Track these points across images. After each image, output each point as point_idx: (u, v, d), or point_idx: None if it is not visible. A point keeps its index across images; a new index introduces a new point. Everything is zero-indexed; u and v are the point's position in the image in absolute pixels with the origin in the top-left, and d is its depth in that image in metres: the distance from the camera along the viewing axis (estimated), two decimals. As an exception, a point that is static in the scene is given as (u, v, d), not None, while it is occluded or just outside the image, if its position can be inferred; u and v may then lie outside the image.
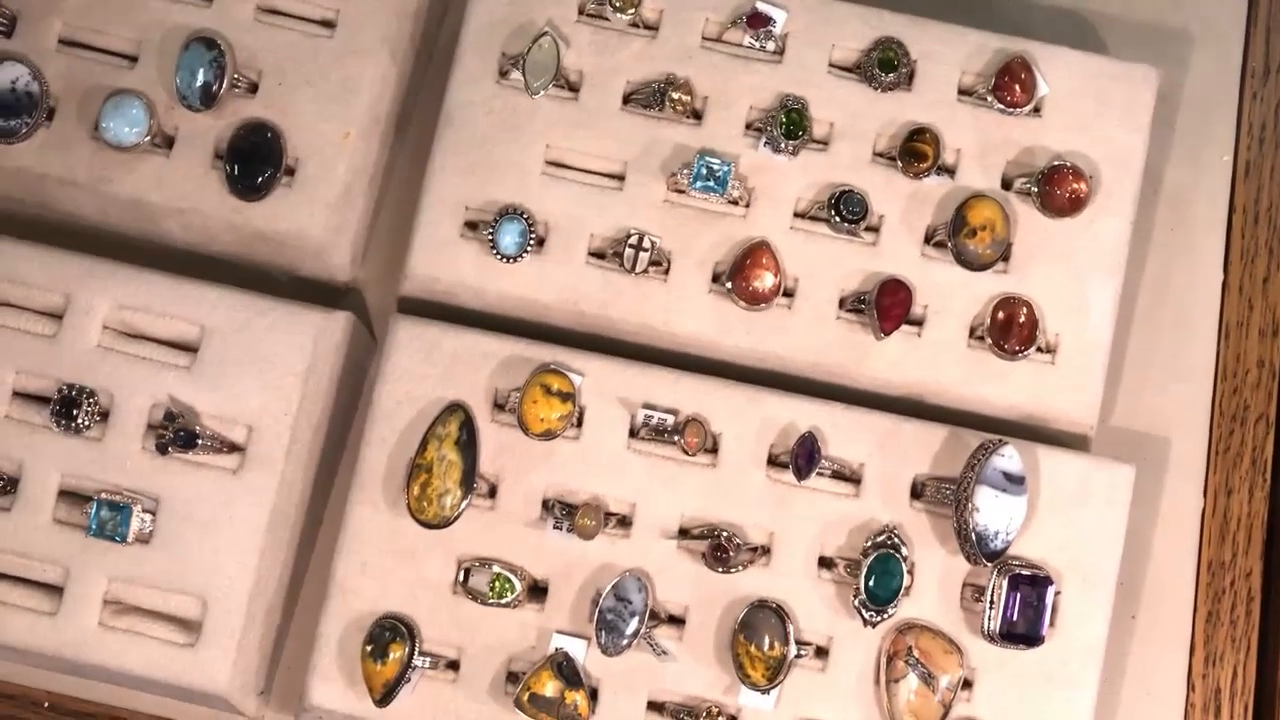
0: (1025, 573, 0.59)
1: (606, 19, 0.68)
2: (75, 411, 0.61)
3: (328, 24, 0.68)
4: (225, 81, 0.66)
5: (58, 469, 0.62)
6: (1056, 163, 0.64)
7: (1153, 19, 0.75)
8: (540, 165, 0.67)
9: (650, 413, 0.62)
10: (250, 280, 0.67)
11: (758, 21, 0.67)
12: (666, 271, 0.66)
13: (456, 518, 0.60)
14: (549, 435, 0.61)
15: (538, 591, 0.62)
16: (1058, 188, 0.64)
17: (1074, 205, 0.64)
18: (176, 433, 0.61)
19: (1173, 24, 0.75)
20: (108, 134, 0.65)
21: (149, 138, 0.66)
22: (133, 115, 0.66)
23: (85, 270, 0.63)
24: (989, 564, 0.59)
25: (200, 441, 0.61)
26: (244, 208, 0.66)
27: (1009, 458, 0.59)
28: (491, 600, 0.60)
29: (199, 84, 0.66)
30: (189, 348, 0.63)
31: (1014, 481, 0.59)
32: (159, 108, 0.66)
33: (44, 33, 0.67)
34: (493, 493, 0.63)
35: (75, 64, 0.67)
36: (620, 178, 0.67)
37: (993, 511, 0.59)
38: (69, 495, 0.62)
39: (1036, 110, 0.66)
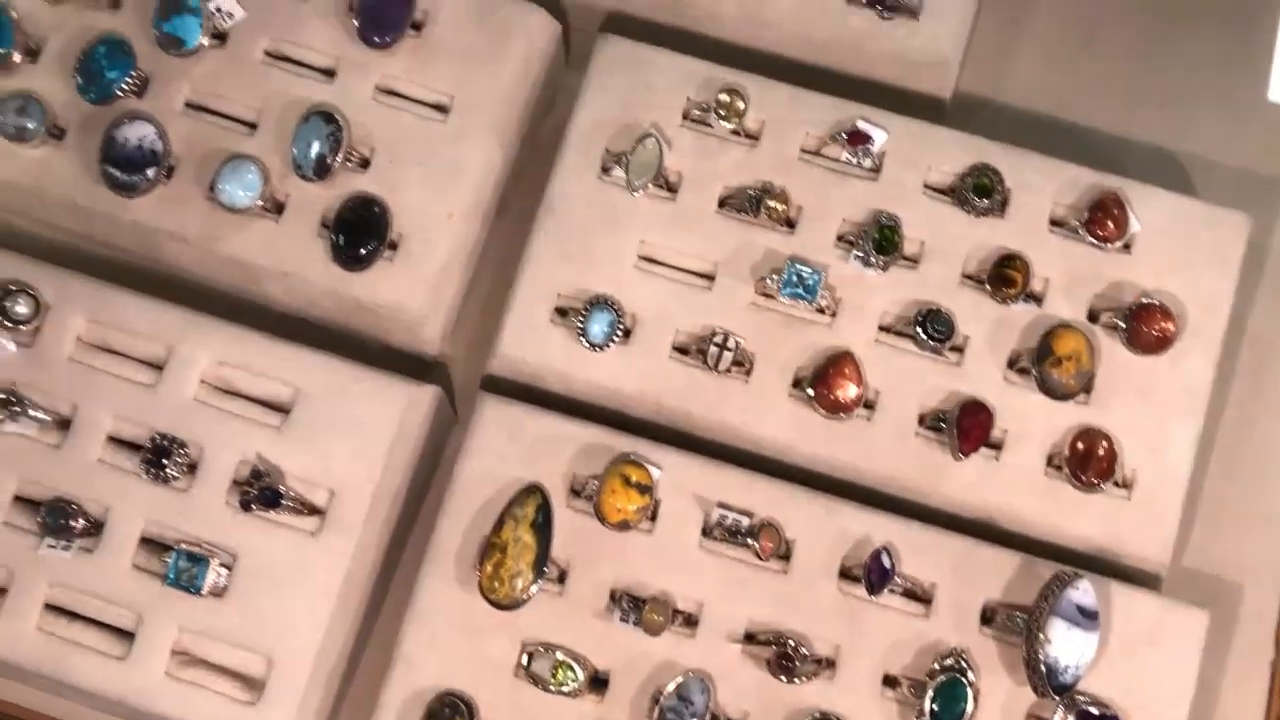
0: (1093, 710, 0.59)
1: (709, 125, 0.70)
2: (165, 461, 0.63)
3: (441, 109, 0.71)
4: (340, 155, 0.68)
5: (142, 516, 0.63)
6: (1145, 300, 0.65)
7: (1244, 165, 0.76)
8: (634, 259, 0.68)
9: (725, 513, 0.63)
10: (338, 345, 0.69)
11: (858, 139, 0.68)
12: (748, 373, 0.67)
13: (526, 600, 0.61)
14: (624, 526, 0.62)
15: (599, 683, 0.62)
16: (1145, 325, 0.64)
17: (1160, 344, 0.64)
18: (261, 490, 0.62)
19: (1263, 172, 0.76)
20: (222, 195, 0.68)
21: (261, 202, 0.68)
22: (248, 179, 0.68)
23: (189, 324, 0.66)
24: (1056, 698, 0.59)
25: (283, 501, 0.62)
26: (346, 277, 0.69)
27: (1084, 591, 0.59)
28: (552, 687, 0.60)
29: (314, 155, 0.68)
30: (281, 408, 0.65)
31: (1087, 616, 0.59)
32: (273, 174, 0.69)
33: (172, 95, 0.70)
34: (562, 578, 0.63)
35: (198, 126, 0.70)
36: (710, 277, 0.68)
37: (1064, 644, 0.58)
38: (149, 542, 0.63)
39: (1127, 247, 0.67)
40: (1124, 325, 0.65)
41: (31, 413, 0.63)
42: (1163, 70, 0.78)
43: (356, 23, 0.70)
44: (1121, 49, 0.79)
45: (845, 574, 0.63)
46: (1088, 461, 0.64)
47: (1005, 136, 0.75)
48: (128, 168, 0.68)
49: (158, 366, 0.65)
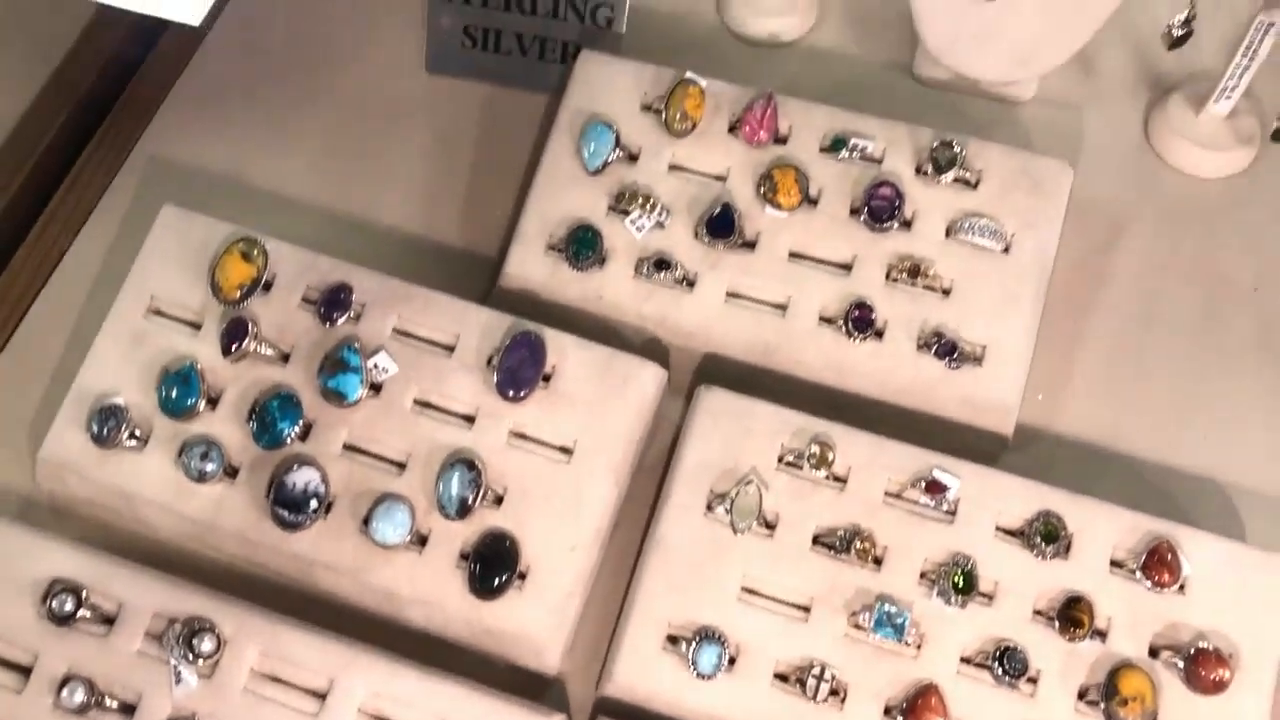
0: None
1: (802, 468, 0.79)
2: (325, 786, 0.70)
3: (566, 450, 0.80)
4: (479, 497, 0.78)
5: (301, 837, 0.70)
6: (1202, 645, 0.72)
7: (1285, 495, 0.84)
8: (737, 591, 0.77)
9: (828, 845, 0.69)
10: (466, 662, 0.77)
11: (935, 488, 0.77)
12: (843, 701, 0.74)
13: None
14: None
15: None
16: (1202, 669, 0.71)
17: (1217, 687, 0.71)
18: (411, 818, 0.69)
19: (1303, 502, 0.83)
20: (375, 534, 0.78)
21: (408, 538, 0.78)
22: (398, 519, 0.78)
23: (350, 658, 0.74)
24: None
25: (430, 827, 0.69)
26: (480, 605, 0.77)
27: None
28: None
29: (457, 498, 0.78)
30: (428, 737, 0.73)
31: None
32: (419, 510, 0.79)
33: (332, 439, 0.81)
34: None
35: (354, 467, 0.80)
36: (806, 609, 0.76)
37: None
38: None
39: (1182, 588, 0.75)
40: (1182, 667, 0.72)
41: (209, 739, 0.72)
42: (1209, 402, 0.87)
43: (496, 379, 0.81)
44: (1168, 382, 0.88)
45: None
46: (1156, 794, 0.70)
47: (1063, 464, 0.84)
48: (294, 509, 0.78)
49: (320, 695, 0.73)
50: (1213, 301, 0.90)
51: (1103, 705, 0.72)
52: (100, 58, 1.00)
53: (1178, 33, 0.89)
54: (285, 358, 0.83)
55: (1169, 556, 0.74)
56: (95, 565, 0.76)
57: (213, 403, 0.82)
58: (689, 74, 0.89)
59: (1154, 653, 0.74)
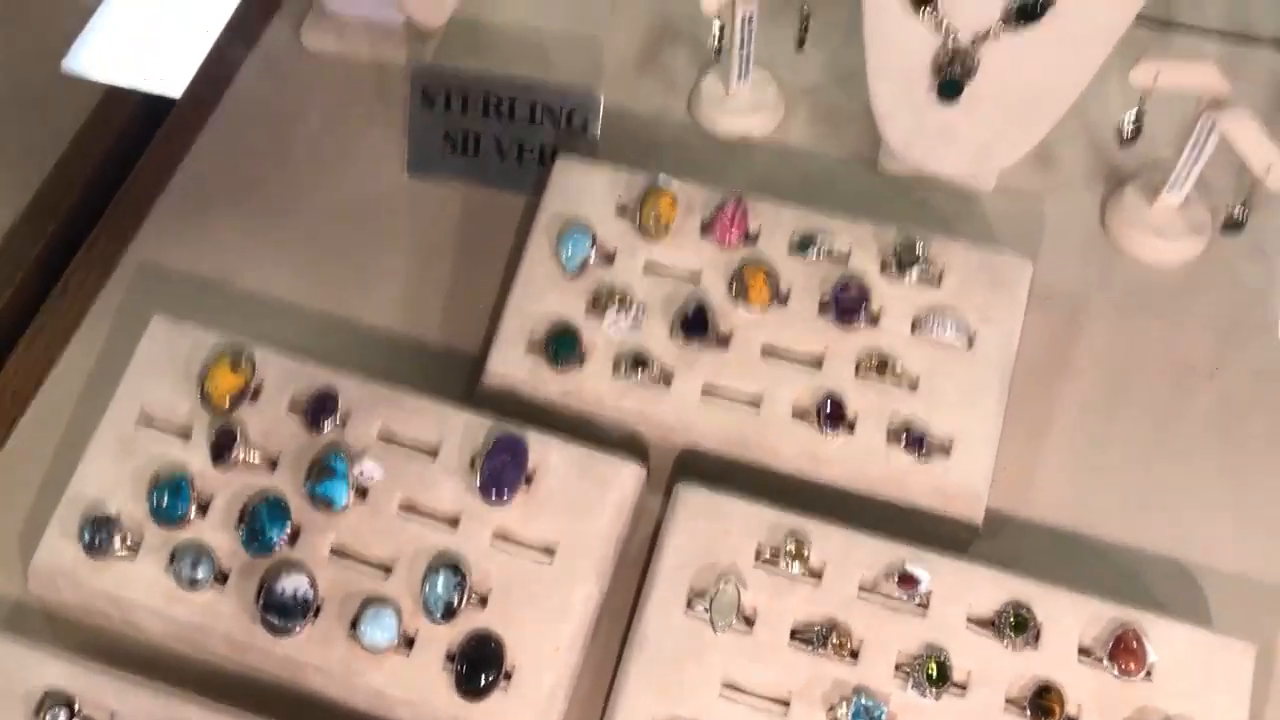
0: None
1: (778, 564, 0.81)
2: None
3: (549, 551, 0.82)
4: (464, 600, 0.80)
5: None
6: (1169, 728, 0.74)
7: (1248, 572, 0.85)
8: (718, 688, 0.79)
9: None
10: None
11: (907, 581, 0.79)
12: (824, 794, 0.76)
13: None
14: None
15: None
16: (1171, 755, 0.74)
17: (1186, 773, 0.73)
18: None
19: (1267, 580, 0.86)
20: (364, 638, 0.79)
21: (396, 641, 0.79)
22: (386, 623, 0.79)
23: (343, 768, 0.76)
24: None
25: None
26: (466, 705, 0.79)
27: None
28: None
29: (442, 602, 0.80)
30: (418, 843, 0.74)
31: None
32: (405, 613, 0.80)
33: (320, 544, 0.83)
34: None
35: (341, 571, 0.82)
36: (786, 704, 0.78)
37: None
38: None
39: (1148, 674, 0.77)
40: (1153, 754, 0.74)
41: None
42: (1172, 485, 0.89)
43: (479, 482, 0.83)
44: (1132, 466, 0.90)
45: None
46: None
47: (1034, 550, 0.86)
48: (283, 615, 0.80)
49: (312, 804, 0.75)
50: (1172, 386, 0.93)
51: (1075, 793, 0.74)
52: (88, 167, 1.03)
53: (1129, 130, 0.93)
54: (273, 464, 0.85)
55: (1134, 644, 0.77)
56: (87, 675, 0.78)
57: (203, 510, 0.84)
58: (661, 178, 0.93)
59: (1124, 743, 0.76)
